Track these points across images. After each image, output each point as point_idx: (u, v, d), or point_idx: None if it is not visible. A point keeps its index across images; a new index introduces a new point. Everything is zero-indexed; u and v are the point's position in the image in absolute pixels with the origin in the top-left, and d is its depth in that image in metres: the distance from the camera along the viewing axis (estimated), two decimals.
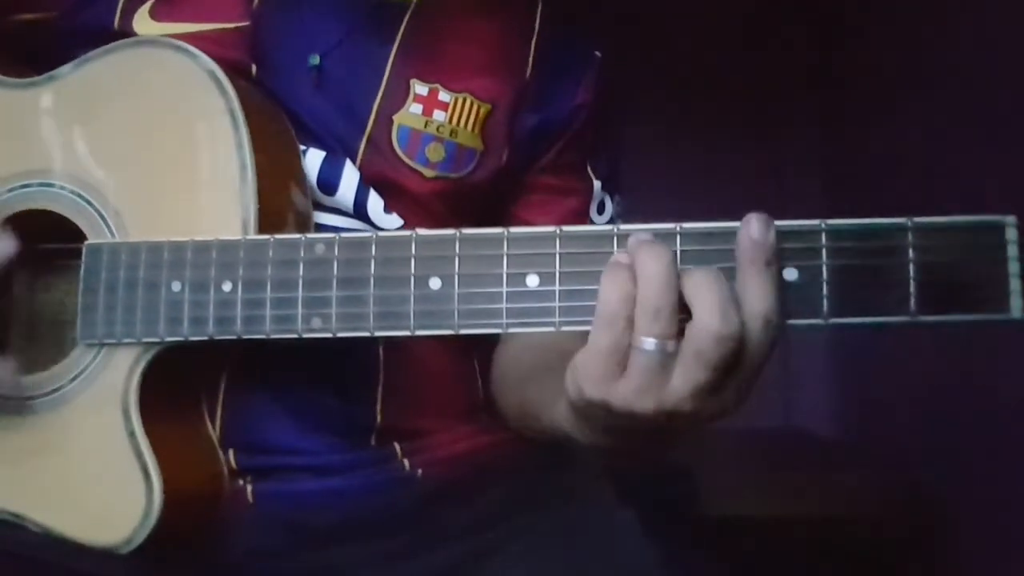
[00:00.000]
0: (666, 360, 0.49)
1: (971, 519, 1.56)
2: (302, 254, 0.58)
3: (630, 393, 0.50)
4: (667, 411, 0.50)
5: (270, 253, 0.59)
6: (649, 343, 0.49)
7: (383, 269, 0.57)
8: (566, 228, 0.54)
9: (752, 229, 0.50)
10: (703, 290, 0.49)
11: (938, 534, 1.63)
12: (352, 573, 0.71)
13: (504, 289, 0.55)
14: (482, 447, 0.79)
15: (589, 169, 0.83)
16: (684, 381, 0.49)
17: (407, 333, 0.56)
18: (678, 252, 0.52)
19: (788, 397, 2.10)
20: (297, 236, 0.59)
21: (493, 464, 0.78)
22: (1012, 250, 0.49)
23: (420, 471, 0.75)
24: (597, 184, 0.83)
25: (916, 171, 1.72)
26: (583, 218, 0.83)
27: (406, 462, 0.75)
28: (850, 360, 2.01)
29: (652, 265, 0.49)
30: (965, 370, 1.39)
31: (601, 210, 0.84)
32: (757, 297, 0.50)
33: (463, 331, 0.55)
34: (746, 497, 1.60)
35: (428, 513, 0.74)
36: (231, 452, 0.70)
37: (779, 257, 0.50)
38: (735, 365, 0.49)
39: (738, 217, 0.52)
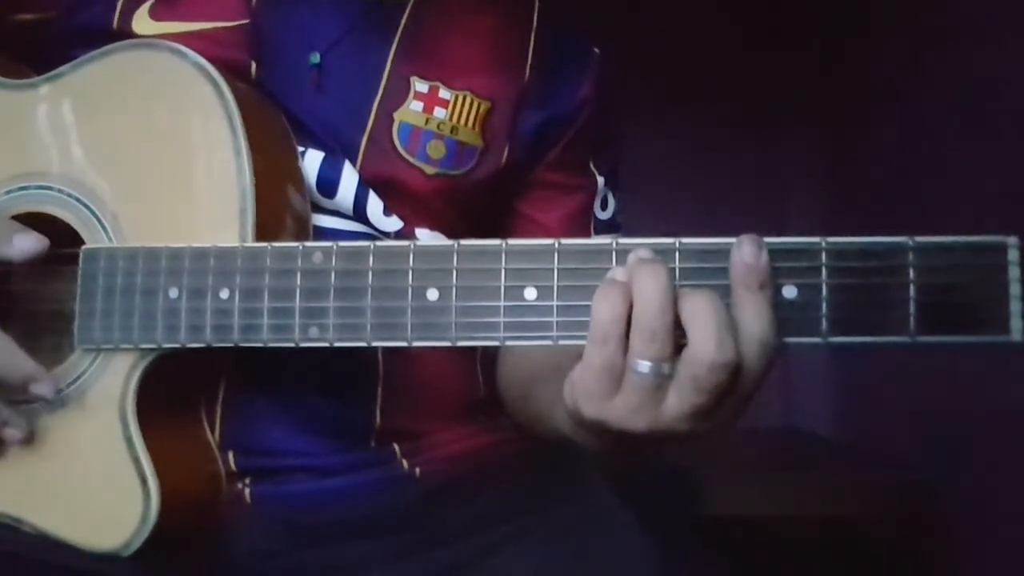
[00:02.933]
0: (661, 381, 0.49)
1: (969, 519, 1.56)
2: (299, 263, 0.58)
3: (625, 412, 0.50)
4: (662, 430, 0.50)
5: (267, 261, 0.59)
6: (644, 365, 0.49)
7: (381, 280, 0.56)
8: (564, 241, 0.54)
9: (745, 252, 0.50)
10: (699, 317, 0.48)
11: (936, 534, 1.63)
12: (352, 573, 0.72)
13: (502, 302, 0.54)
14: (482, 447, 0.79)
15: (592, 165, 0.83)
16: (679, 403, 0.49)
17: (404, 344, 0.56)
18: (676, 269, 0.51)
19: (788, 397, 2.10)
20: (295, 244, 0.59)
21: (493, 464, 0.79)
22: (1013, 271, 0.48)
23: (419, 470, 0.75)
24: (600, 180, 0.83)
25: (917, 173, 1.72)
26: (587, 215, 0.83)
27: (405, 462, 0.75)
28: (850, 360, 2.01)
29: (649, 286, 0.49)
30: (964, 371, 1.38)
31: (604, 206, 0.84)
32: (752, 320, 0.49)
33: (460, 343, 0.55)
34: (746, 497, 1.60)
35: (427, 513, 0.74)
36: (231, 454, 0.69)
37: (773, 279, 0.50)
38: (731, 389, 0.49)
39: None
